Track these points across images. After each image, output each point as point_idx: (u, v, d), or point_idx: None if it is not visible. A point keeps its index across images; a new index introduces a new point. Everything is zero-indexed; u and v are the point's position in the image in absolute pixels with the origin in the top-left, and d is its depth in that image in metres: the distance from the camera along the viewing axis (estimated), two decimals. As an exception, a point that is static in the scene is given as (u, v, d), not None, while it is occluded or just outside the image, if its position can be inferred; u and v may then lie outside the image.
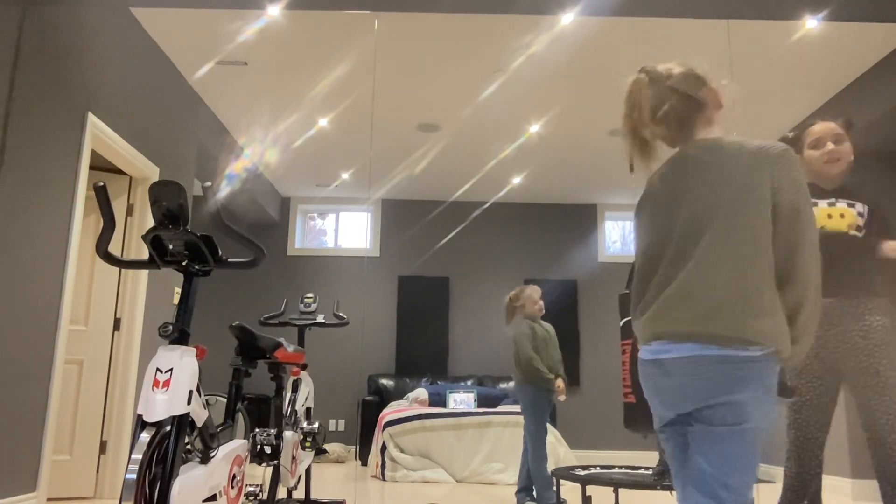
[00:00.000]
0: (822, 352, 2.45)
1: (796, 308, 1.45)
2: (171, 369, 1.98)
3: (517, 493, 4.37)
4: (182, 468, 2.02)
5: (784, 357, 1.44)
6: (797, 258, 1.44)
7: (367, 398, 6.76)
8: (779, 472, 5.62)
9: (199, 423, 2.12)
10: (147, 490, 1.87)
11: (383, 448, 5.67)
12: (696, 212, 1.50)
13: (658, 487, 3.21)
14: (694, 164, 1.54)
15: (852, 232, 2.43)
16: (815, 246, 1.46)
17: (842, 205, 2.49)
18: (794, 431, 2.48)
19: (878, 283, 2.40)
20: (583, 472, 3.67)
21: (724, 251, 1.45)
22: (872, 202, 2.48)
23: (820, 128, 2.52)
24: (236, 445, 2.42)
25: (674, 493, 4.56)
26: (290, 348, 3.14)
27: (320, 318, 3.86)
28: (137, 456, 1.85)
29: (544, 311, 4.49)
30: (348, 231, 8.01)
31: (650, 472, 3.69)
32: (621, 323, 3.89)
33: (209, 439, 2.20)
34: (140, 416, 1.94)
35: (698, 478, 1.44)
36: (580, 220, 7.91)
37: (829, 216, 2.48)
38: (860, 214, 2.46)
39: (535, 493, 4.23)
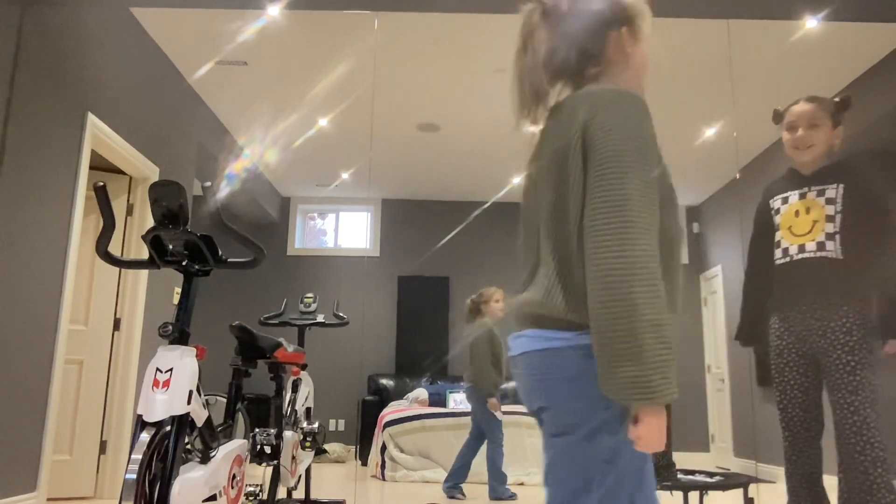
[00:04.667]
0: (804, 346, 2.40)
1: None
2: (171, 369, 1.98)
3: (450, 487, 4.54)
4: (182, 468, 2.02)
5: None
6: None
7: (367, 398, 6.76)
8: (780, 472, 5.62)
9: (199, 423, 2.12)
10: (147, 490, 1.87)
11: (383, 448, 5.67)
12: None
13: (657, 487, 3.21)
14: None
15: (818, 237, 2.34)
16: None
17: (812, 195, 2.40)
18: (784, 431, 2.46)
19: (859, 296, 2.31)
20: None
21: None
22: (851, 180, 2.36)
23: (798, 109, 2.41)
24: (236, 445, 2.42)
25: (673, 492, 4.56)
26: (290, 348, 3.14)
27: (320, 318, 3.86)
28: (137, 456, 1.85)
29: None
30: (348, 231, 8.00)
31: None
32: None
33: (209, 439, 2.20)
34: (140, 416, 1.94)
35: None
36: (580, 220, 7.90)
37: (797, 213, 2.42)
38: (830, 201, 2.36)
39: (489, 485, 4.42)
